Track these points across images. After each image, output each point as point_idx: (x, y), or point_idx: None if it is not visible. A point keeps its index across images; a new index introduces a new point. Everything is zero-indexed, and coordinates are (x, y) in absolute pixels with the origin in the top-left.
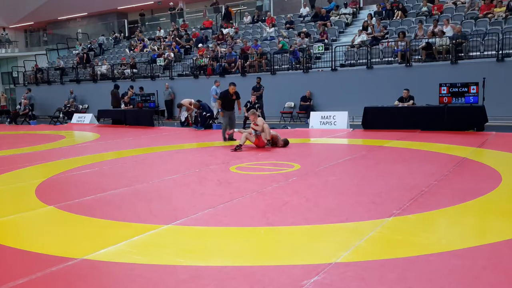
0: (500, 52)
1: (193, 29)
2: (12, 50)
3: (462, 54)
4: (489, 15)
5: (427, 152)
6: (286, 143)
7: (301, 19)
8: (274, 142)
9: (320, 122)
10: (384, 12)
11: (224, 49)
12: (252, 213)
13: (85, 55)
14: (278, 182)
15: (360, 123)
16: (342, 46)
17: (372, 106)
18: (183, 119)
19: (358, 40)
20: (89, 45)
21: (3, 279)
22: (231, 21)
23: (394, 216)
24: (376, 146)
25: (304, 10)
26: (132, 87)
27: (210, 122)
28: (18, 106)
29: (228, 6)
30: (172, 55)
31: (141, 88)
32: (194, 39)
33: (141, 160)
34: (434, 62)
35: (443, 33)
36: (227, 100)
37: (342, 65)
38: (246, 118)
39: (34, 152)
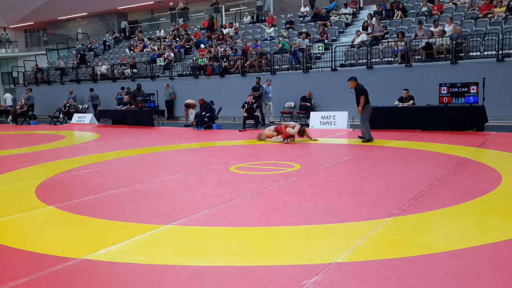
0: (500, 52)
1: (194, 29)
2: (12, 50)
3: (462, 54)
4: (489, 15)
5: (427, 152)
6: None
7: (301, 19)
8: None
9: (320, 122)
10: (384, 12)
11: (224, 49)
12: (252, 213)
13: (79, 55)
14: (278, 182)
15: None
16: (342, 46)
17: (372, 106)
18: (192, 118)
19: (358, 40)
20: (89, 45)
21: (3, 279)
22: (215, 30)
23: (394, 216)
24: (376, 146)
25: (304, 9)
26: (123, 88)
27: (210, 122)
28: (18, 106)
29: (213, 18)
30: (172, 55)
31: (122, 88)
32: (194, 39)
33: (141, 160)
34: (434, 62)
35: (444, 32)
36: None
37: (342, 65)
38: (246, 118)
39: (34, 152)
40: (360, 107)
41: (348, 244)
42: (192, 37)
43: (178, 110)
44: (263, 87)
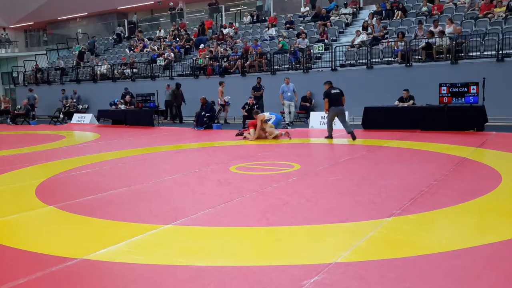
0: (500, 52)
1: (194, 29)
2: (12, 50)
3: (462, 54)
4: (489, 15)
5: (427, 152)
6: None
7: (301, 19)
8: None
9: (320, 122)
10: (384, 12)
11: (223, 49)
12: (252, 213)
13: (78, 52)
14: (278, 182)
15: (360, 123)
16: (342, 46)
17: (372, 106)
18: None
19: (358, 40)
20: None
21: (3, 279)
22: (205, 35)
23: (394, 216)
24: (376, 146)
25: (304, 9)
26: (126, 88)
27: (210, 122)
28: (18, 106)
29: (203, 23)
30: (172, 55)
31: (126, 89)
32: (194, 38)
33: (141, 160)
34: (434, 62)
35: (443, 33)
36: None
37: (342, 65)
38: (245, 118)
39: (34, 152)
40: (325, 109)
41: (348, 244)
42: (192, 37)
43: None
44: (263, 88)
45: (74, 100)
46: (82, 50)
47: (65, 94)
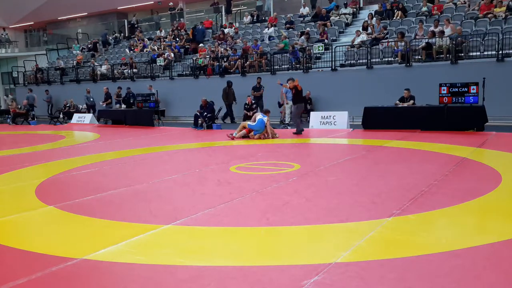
0: (500, 52)
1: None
2: (12, 50)
3: (462, 54)
4: (489, 15)
5: (427, 152)
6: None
7: (301, 19)
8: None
9: (320, 122)
10: (384, 12)
11: (223, 49)
12: (252, 213)
13: (88, 46)
14: (278, 182)
15: (360, 123)
16: (342, 46)
17: (372, 106)
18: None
19: (358, 40)
20: (89, 45)
21: (3, 279)
22: (197, 41)
23: (394, 216)
24: (376, 146)
25: (304, 10)
26: (129, 88)
27: (210, 122)
28: (18, 106)
29: (196, 26)
30: (172, 55)
31: (128, 88)
32: (193, 32)
33: (141, 160)
34: (434, 62)
35: (442, 33)
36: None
37: (342, 65)
38: (246, 117)
39: (34, 152)
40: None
41: (348, 244)
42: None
43: (171, 110)
44: (263, 88)
45: (92, 99)
46: (96, 41)
47: (49, 95)
